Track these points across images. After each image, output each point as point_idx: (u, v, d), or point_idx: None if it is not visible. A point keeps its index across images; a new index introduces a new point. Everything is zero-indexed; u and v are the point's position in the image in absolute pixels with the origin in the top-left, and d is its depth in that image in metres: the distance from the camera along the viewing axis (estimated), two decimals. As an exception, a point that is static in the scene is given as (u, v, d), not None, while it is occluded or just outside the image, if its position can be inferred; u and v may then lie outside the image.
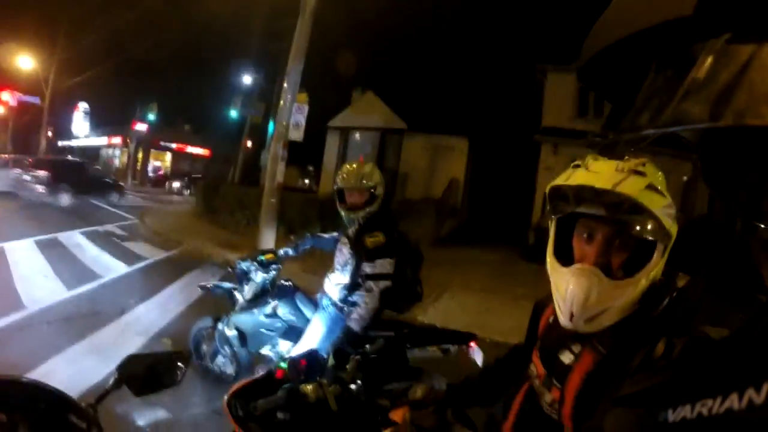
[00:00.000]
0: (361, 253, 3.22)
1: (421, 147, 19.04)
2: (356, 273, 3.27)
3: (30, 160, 19.21)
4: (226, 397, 1.85)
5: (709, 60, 0.47)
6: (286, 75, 10.22)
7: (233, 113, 21.99)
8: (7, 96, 32.40)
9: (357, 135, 20.93)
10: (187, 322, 5.22)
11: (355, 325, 3.07)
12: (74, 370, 4.18)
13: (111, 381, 1.35)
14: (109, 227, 13.32)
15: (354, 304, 3.20)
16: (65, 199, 17.01)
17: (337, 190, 3.43)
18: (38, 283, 6.99)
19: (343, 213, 3.40)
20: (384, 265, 3.14)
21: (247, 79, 22.72)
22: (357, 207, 3.32)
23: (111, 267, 8.51)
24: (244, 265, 3.84)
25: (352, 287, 3.30)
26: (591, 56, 0.56)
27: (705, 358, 0.49)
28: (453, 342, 3.33)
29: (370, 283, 3.14)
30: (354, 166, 3.44)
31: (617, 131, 0.57)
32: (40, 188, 16.72)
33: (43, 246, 9.61)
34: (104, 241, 10.86)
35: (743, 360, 0.43)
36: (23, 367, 4.00)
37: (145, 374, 1.41)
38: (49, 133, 36.62)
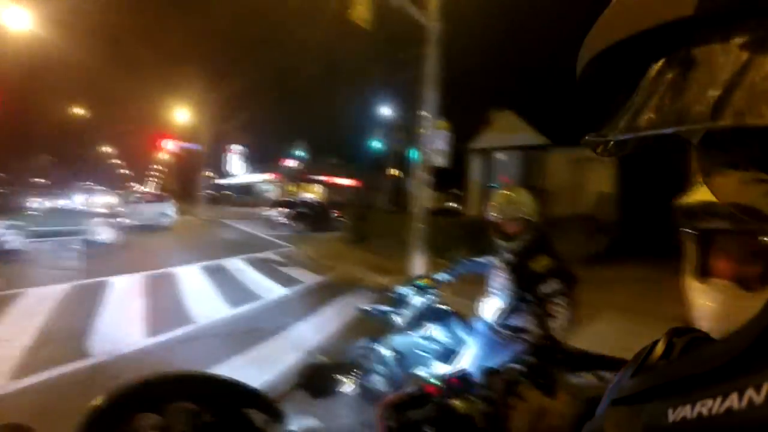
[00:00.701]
0: (525, 279, 3.11)
1: (565, 162, 18.14)
2: (516, 298, 3.19)
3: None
4: (378, 408, 1.76)
5: (709, 60, 0.47)
6: (423, 102, 10.36)
7: (376, 144, 22.71)
8: (171, 145, 37.28)
9: (499, 155, 20.53)
10: (340, 341, 5.27)
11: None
12: (233, 377, 4.38)
13: (292, 383, 1.49)
14: (268, 254, 14.21)
15: (517, 329, 3.15)
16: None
17: (489, 221, 3.31)
18: (205, 302, 7.76)
19: (497, 242, 3.29)
20: (557, 284, 3.01)
21: (386, 110, 23.44)
22: (512, 236, 3.21)
23: (270, 289, 9.05)
24: (402, 290, 3.87)
25: (510, 312, 3.23)
26: (590, 57, 0.56)
27: (705, 357, 0.48)
28: (609, 369, 2.94)
29: (553, 300, 3.00)
30: (505, 194, 3.31)
31: (616, 132, 0.56)
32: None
33: (208, 270, 10.66)
34: (263, 267, 11.57)
35: (743, 360, 0.43)
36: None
37: (322, 380, 1.57)
38: (209, 173, 40.99)
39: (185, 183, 42.31)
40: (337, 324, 6.70)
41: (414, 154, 11.62)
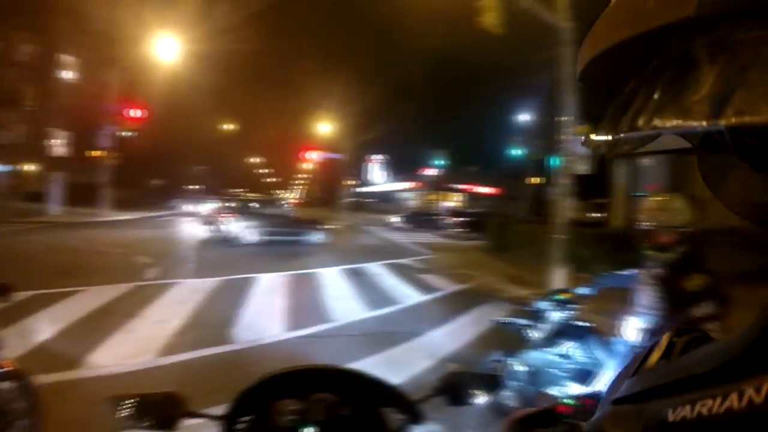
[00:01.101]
0: (676, 298, 2.86)
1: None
2: (663, 319, 2.92)
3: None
4: (506, 422, 1.72)
5: (710, 59, 0.45)
6: (562, 107, 9.96)
7: (515, 151, 22.28)
8: (315, 155, 39.62)
9: (645, 160, 19.05)
10: (473, 352, 5.24)
11: None
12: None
13: (431, 388, 1.48)
14: (407, 260, 14.49)
15: None
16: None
17: (641, 229, 3.06)
18: (344, 303, 8.15)
19: (648, 253, 3.04)
20: (710, 307, 2.75)
21: (525, 117, 22.95)
22: (666, 247, 2.93)
23: (407, 294, 9.23)
24: (540, 304, 3.80)
25: (655, 333, 2.91)
26: (591, 58, 0.54)
27: (705, 357, 0.48)
28: None
29: (705, 325, 2.71)
30: (660, 200, 3.09)
31: (616, 132, 0.53)
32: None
33: (349, 273, 11.15)
34: (401, 272, 11.83)
35: (743, 360, 0.43)
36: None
37: (461, 389, 1.54)
38: (351, 182, 42.95)
39: (328, 191, 44.88)
40: (472, 334, 6.65)
41: (554, 161, 11.26)
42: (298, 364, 1.35)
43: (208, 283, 9.38)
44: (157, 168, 42.15)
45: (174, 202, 37.01)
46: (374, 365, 5.07)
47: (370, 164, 45.73)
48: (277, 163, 74.15)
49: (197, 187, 47.29)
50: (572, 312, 3.75)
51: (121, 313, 6.94)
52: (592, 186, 18.00)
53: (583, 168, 10.21)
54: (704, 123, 0.45)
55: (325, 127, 38.63)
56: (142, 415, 1.24)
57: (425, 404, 1.41)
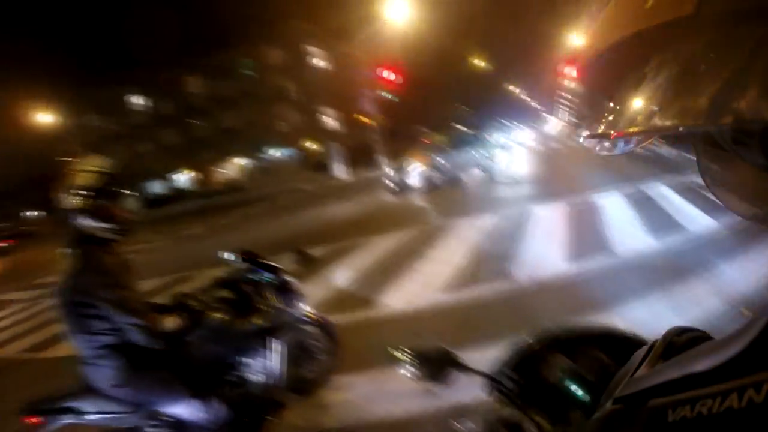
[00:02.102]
0: None
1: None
2: None
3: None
4: None
5: (710, 59, 0.47)
6: None
7: None
8: (570, 69, 36.97)
9: None
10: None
11: None
12: (648, 316, 4.51)
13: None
14: (692, 177, 13.00)
15: None
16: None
17: None
18: (627, 232, 7.70)
19: None
20: None
21: None
22: None
23: (696, 220, 8.27)
24: None
25: None
26: (591, 56, 0.56)
27: (705, 357, 0.48)
28: None
29: None
30: None
31: (617, 129, 0.57)
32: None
33: (629, 197, 10.41)
34: (688, 193, 10.66)
35: (743, 359, 0.43)
36: (603, 305, 4.79)
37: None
38: None
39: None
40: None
41: None
42: (569, 325, 1.37)
43: (487, 219, 10.03)
44: (420, 116, 44.76)
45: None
46: (657, 302, 4.90)
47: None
48: (536, 87, 71.39)
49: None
50: None
51: (407, 255, 7.89)
52: None
53: None
54: (704, 122, 0.49)
55: (576, 36, 35.71)
56: (417, 368, 1.34)
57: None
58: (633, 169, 14.09)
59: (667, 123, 0.53)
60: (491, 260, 7.22)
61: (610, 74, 0.58)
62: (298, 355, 3.77)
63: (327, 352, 4.09)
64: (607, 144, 0.64)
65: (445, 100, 50.85)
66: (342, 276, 7.61)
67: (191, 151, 52.50)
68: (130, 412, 2.69)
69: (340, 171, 34.06)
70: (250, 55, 50.67)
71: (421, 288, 6.48)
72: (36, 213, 59.56)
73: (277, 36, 47.06)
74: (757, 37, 0.43)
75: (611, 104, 0.59)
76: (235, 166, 54.45)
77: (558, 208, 10.33)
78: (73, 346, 2.73)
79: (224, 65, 51.32)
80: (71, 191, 2.61)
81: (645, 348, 0.66)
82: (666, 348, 0.61)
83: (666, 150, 17.56)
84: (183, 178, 56.80)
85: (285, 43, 47.68)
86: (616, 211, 9.29)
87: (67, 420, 2.70)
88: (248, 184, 47.27)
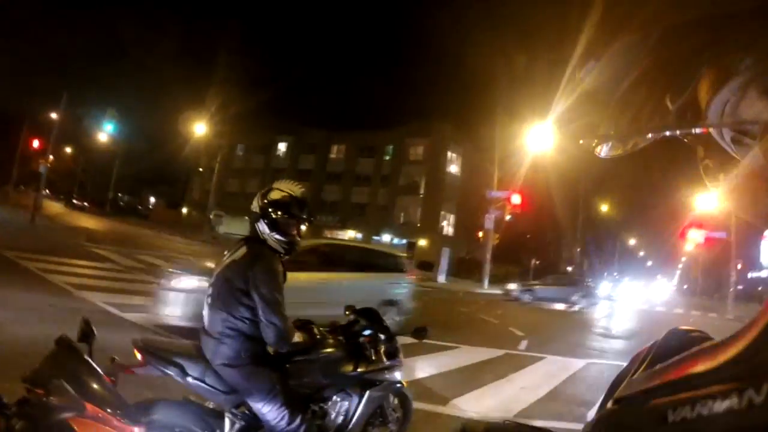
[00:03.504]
0: None
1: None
2: None
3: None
4: None
5: (710, 61, 0.49)
6: None
7: None
8: (696, 234, 35.78)
9: None
10: None
11: None
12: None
13: None
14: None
15: None
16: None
17: None
18: None
19: None
20: None
21: None
22: None
23: None
24: None
25: None
26: (592, 59, 0.57)
27: (705, 357, 0.48)
28: None
29: None
30: None
31: (616, 133, 0.59)
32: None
33: None
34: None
35: (743, 360, 0.43)
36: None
37: None
38: (739, 266, 37.30)
39: (711, 276, 39.48)
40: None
41: None
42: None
43: (575, 362, 9.80)
44: (534, 248, 44.52)
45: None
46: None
47: (763, 241, 38.95)
48: (654, 245, 68.67)
49: (570, 268, 47.65)
50: None
51: (491, 372, 7.92)
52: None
53: None
54: (705, 124, 0.49)
55: (705, 200, 34.99)
56: None
57: None
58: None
59: (667, 125, 0.54)
60: (571, 401, 7.04)
61: (611, 76, 0.57)
62: (376, 414, 3.92)
63: (398, 423, 4.26)
64: (606, 144, 0.64)
65: (561, 237, 50.61)
66: (429, 368, 7.67)
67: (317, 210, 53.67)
68: (225, 392, 2.90)
69: (442, 275, 34.17)
70: (394, 141, 52.53)
71: (497, 405, 6.39)
72: (154, 200, 71.60)
73: (425, 131, 48.97)
74: (754, 41, 0.45)
75: (611, 107, 0.60)
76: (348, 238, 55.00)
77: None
78: (205, 318, 2.98)
79: (368, 144, 53.99)
80: (266, 201, 3.05)
81: (645, 348, 0.65)
82: (666, 348, 0.60)
83: None
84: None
85: (430, 140, 49.47)
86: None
87: (169, 371, 2.87)
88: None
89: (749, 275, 44.84)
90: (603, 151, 0.62)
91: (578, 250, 52.16)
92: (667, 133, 0.55)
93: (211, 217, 46.75)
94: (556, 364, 9.57)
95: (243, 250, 3.04)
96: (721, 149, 0.56)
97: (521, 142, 28.18)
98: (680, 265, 72.22)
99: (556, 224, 46.58)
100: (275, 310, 2.85)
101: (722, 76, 0.47)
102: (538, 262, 45.25)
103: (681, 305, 35.88)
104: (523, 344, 11.25)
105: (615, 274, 39.18)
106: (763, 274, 41.05)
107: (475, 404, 6.36)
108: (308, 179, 51.97)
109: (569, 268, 48.10)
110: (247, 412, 3.00)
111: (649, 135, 0.57)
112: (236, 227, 35.85)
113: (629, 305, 29.73)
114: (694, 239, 36.34)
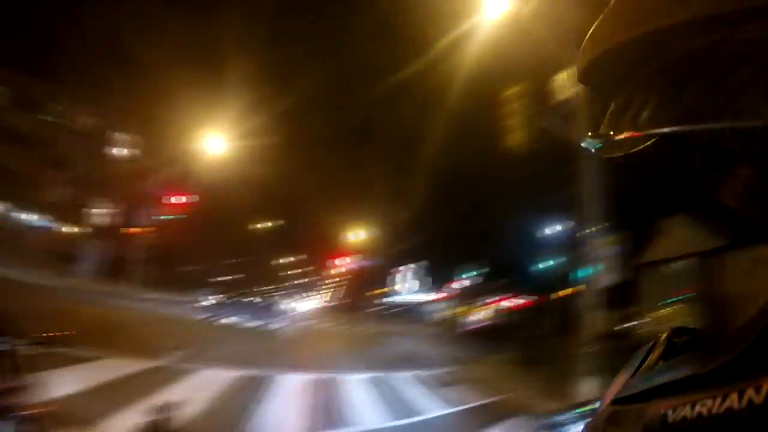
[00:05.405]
0: None
1: (749, 263, 14.16)
2: None
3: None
4: None
5: (710, 61, 0.47)
6: (586, 219, 10.11)
7: (545, 263, 22.76)
8: (347, 260, 41.27)
9: (671, 266, 18.43)
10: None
11: None
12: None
13: None
14: (434, 371, 14.17)
15: None
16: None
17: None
18: (366, 411, 7.86)
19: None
20: None
21: (554, 228, 23.67)
22: None
23: (431, 406, 8.86)
24: (561, 417, 3.70)
25: None
26: (592, 58, 0.56)
27: (705, 357, 0.47)
28: None
29: None
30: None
31: (617, 131, 0.57)
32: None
33: (372, 381, 10.80)
34: (427, 383, 11.50)
35: (743, 360, 0.42)
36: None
37: None
38: (382, 290, 44.08)
39: (358, 296, 45.56)
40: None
41: (583, 272, 11.27)
42: None
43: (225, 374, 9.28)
44: (191, 254, 43.06)
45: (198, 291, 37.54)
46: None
47: (402, 273, 46.93)
48: (311, 265, 74.28)
49: (224, 278, 47.52)
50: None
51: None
52: (622, 296, 17.53)
53: (609, 280, 10.12)
54: (705, 123, 0.49)
55: (360, 233, 40.61)
56: None
57: None
58: (380, 357, 14.88)
59: (669, 124, 0.53)
60: (226, 417, 6.65)
61: (611, 76, 0.58)
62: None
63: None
64: (608, 147, 0.63)
65: (221, 247, 49.89)
66: (67, 386, 6.34)
67: None
68: None
69: (84, 269, 29.66)
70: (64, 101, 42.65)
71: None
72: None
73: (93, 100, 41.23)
74: (756, 40, 0.44)
75: (612, 106, 0.60)
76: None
77: (304, 380, 10.08)
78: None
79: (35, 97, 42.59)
80: None
81: (645, 348, 0.65)
82: (666, 348, 0.61)
83: (411, 344, 19.12)
84: None
85: (97, 112, 41.83)
86: (358, 391, 9.58)
87: None
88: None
89: (387, 299, 51.87)
90: (603, 150, 0.63)
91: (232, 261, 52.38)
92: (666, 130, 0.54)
93: None
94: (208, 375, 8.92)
95: None
96: (721, 149, 0.55)
97: (196, 143, 28.33)
98: (331, 285, 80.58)
99: (219, 231, 46.17)
100: None
101: (722, 76, 0.47)
102: (193, 269, 44.33)
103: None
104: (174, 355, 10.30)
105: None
106: (397, 299, 48.77)
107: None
108: None
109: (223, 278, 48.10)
110: None
111: (649, 134, 0.56)
112: None
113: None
114: (346, 264, 41.05)
